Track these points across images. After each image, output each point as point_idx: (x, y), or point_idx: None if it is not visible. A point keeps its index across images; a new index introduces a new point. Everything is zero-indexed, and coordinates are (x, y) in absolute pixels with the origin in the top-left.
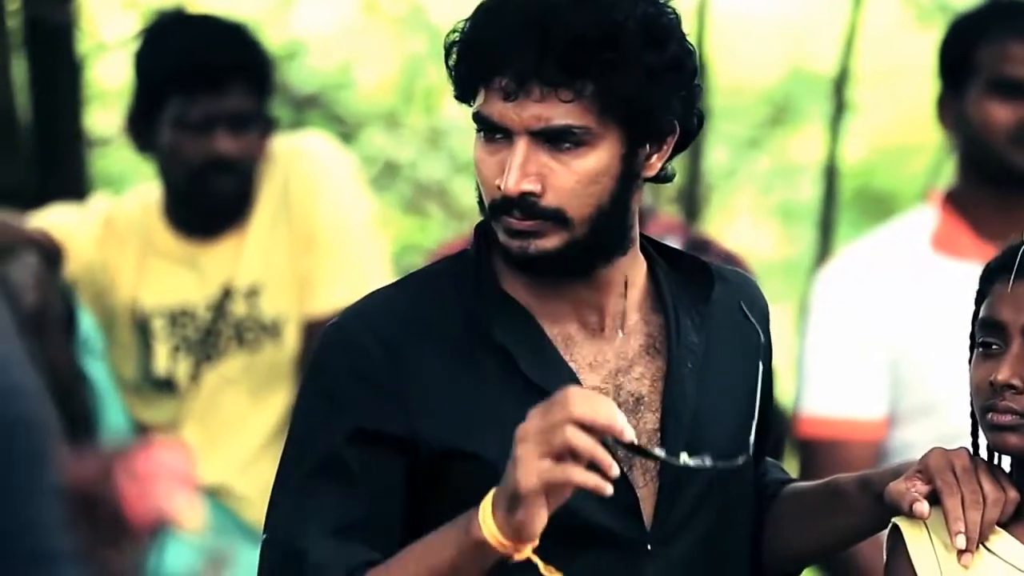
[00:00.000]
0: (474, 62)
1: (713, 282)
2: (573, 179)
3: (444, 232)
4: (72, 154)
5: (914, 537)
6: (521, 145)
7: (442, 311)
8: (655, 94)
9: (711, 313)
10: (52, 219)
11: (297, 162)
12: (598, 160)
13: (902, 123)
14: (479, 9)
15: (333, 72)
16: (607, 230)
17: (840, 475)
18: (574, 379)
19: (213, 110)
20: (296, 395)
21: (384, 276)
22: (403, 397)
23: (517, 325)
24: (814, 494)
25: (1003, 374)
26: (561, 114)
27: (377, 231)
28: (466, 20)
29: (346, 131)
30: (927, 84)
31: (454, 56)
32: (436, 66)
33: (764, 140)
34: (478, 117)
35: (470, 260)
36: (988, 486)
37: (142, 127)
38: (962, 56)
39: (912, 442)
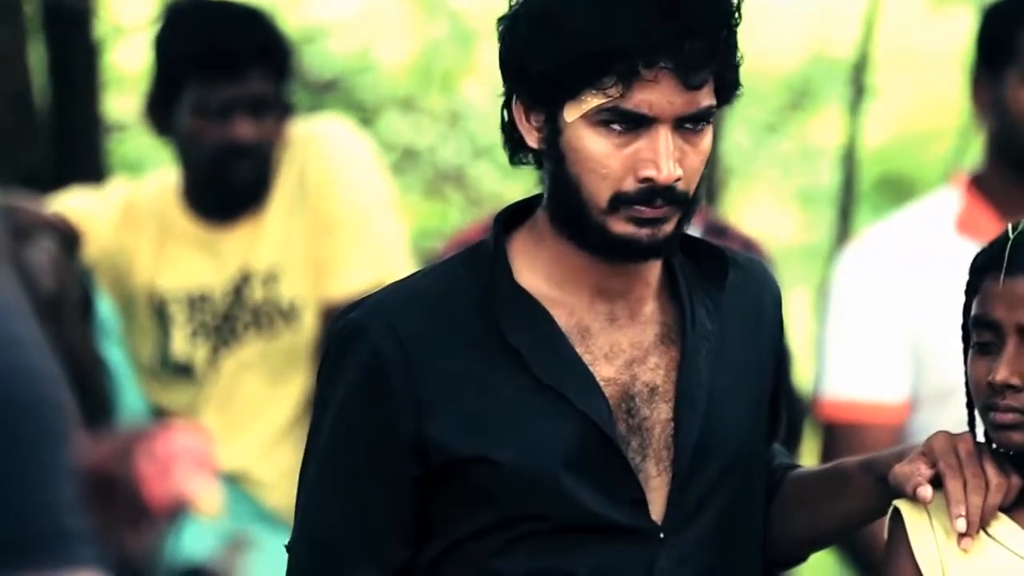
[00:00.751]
0: (623, 53)
1: (728, 269)
2: (699, 160)
3: (462, 217)
4: (90, 139)
5: (914, 520)
6: (667, 133)
7: (458, 307)
8: (738, 68)
9: (725, 300)
10: (70, 203)
11: (315, 146)
12: (710, 136)
13: (922, 108)
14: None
15: (351, 57)
16: (697, 205)
17: (845, 459)
18: (588, 377)
19: (232, 95)
20: (314, 393)
21: (403, 260)
22: (416, 401)
23: (530, 323)
24: (818, 479)
25: (1001, 374)
26: (703, 97)
27: (396, 215)
28: (561, 15)
29: (365, 116)
30: (947, 69)
31: (569, 50)
32: (455, 50)
33: (784, 124)
34: (617, 111)
35: (486, 253)
36: (991, 471)
37: (161, 112)
38: (1002, 39)
39: (933, 426)
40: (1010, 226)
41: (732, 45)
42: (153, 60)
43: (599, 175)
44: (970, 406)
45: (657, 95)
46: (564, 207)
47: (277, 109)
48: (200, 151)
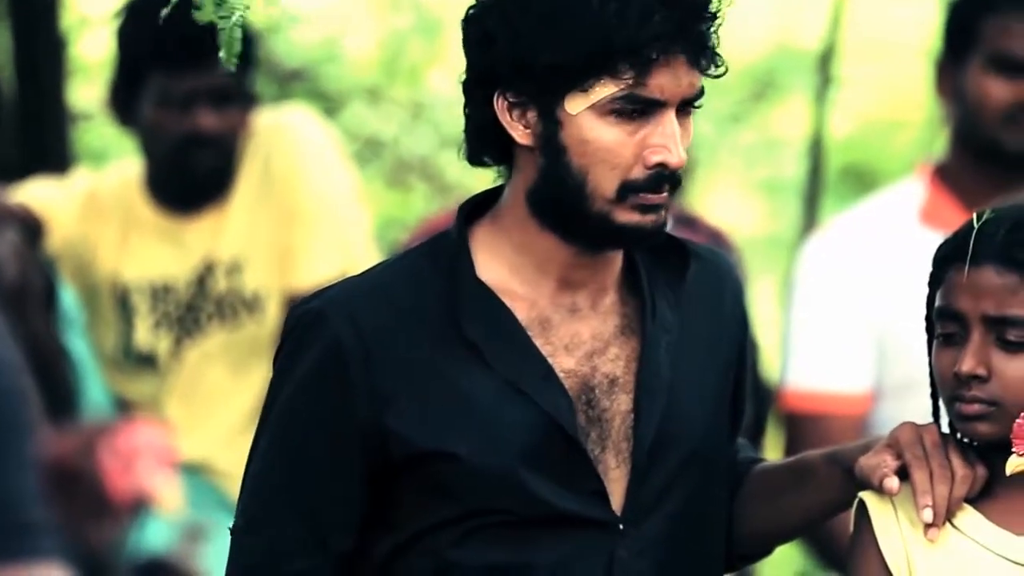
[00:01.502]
0: (637, 41)
1: (689, 261)
2: (688, 141)
3: (427, 207)
4: (54, 128)
5: (880, 513)
6: (673, 117)
7: (420, 300)
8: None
9: (686, 292)
10: (34, 193)
11: (279, 136)
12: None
13: (888, 98)
14: None
15: (317, 47)
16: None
17: (809, 452)
18: (548, 371)
19: (195, 86)
20: (271, 378)
21: (367, 250)
22: (374, 393)
23: (489, 317)
24: (783, 472)
25: (967, 365)
26: (699, 78)
27: (360, 205)
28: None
29: (329, 106)
30: (913, 59)
31: (582, 41)
32: (420, 40)
33: (748, 115)
34: (631, 98)
35: (449, 244)
36: (957, 461)
37: (124, 102)
38: (965, 27)
39: (897, 417)
40: (974, 216)
41: (716, 25)
42: (116, 50)
43: (609, 165)
44: (935, 397)
45: (668, 79)
46: (560, 201)
47: (240, 99)
48: (163, 141)
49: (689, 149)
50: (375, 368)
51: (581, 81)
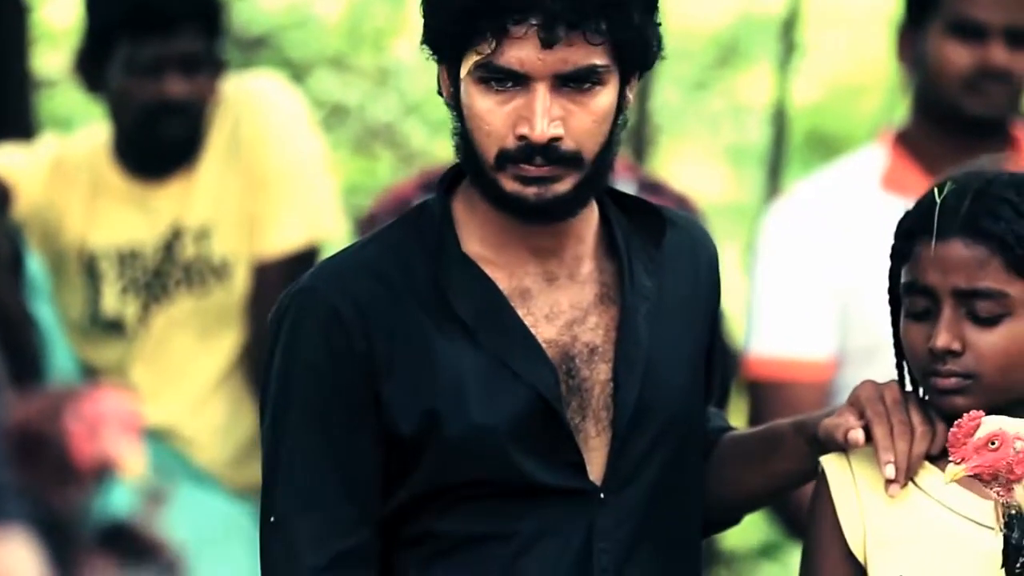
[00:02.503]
0: (493, 10)
1: (665, 227)
2: (590, 120)
3: (392, 174)
4: (20, 95)
5: (837, 477)
6: (543, 90)
7: (408, 277)
8: (649, 27)
9: (662, 258)
10: None
11: (247, 103)
12: (609, 98)
13: (852, 65)
14: None
15: (282, 14)
16: (606, 167)
17: (778, 420)
18: (533, 344)
19: (163, 53)
20: (273, 364)
21: (335, 217)
22: (373, 364)
23: (476, 291)
24: (752, 440)
25: (942, 340)
26: (584, 55)
27: (327, 172)
28: None
29: (295, 73)
30: (877, 26)
31: (449, 7)
32: (385, 7)
33: (713, 82)
34: (490, 67)
35: (432, 216)
36: (917, 418)
37: (91, 69)
38: None
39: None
40: (935, 189)
41: (627, 6)
42: (84, 17)
43: (484, 132)
44: (899, 368)
45: (527, 52)
46: (466, 164)
47: (209, 66)
48: (131, 108)
49: (646, 119)
50: (372, 338)
51: (458, 47)
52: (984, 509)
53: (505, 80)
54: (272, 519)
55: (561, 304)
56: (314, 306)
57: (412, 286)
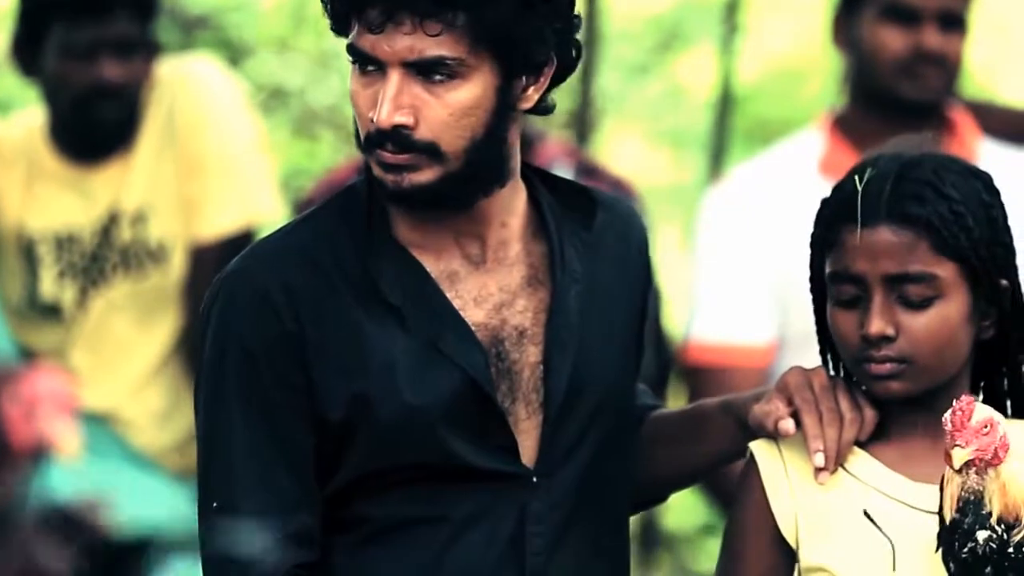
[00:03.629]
0: None
1: (596, 209)
2: (446, 112)
3: (333, 156)
4: None
5: (768, 463)
6: (394, 77)
7: (338, 258)
8: (528, 25)
9: (593, 240)
10: None
11: (183, 86)
12: (471, 92)
13: (794, 48)
14: None
15: None
16: (483, 163)
17: (704, 400)
18: (463, 327)
19: (98, 36)
20: (205, 348)
21: (272, 200)
22: (304, 348)
23: (405, 276)
24: (679, 420)
25: (876, 326)
26: (432, 45)
27: (265, 155)
28: None
29: (234, 55)
30: (819, 8)
31: None
32: None
33: (654, 65)
34: (352, 49)
35: (360, 198)
36: (845, 404)
37: (26, 53)
38: None
39: None
40: (855, 175)
41: (493, 1)
42: (18, 1)
43: (357, 113)
44: (823, 355)
45: (379, 38)
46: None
47: (144, 49)
48: (66, 92)
49: (588, 102)
50: (303, 321)
51: (343, 30)
52: (916, 492)
53: (365, 64)
54: (215, 504)
55: (489, 287)
56: (244, 289)
57: (341, 270)
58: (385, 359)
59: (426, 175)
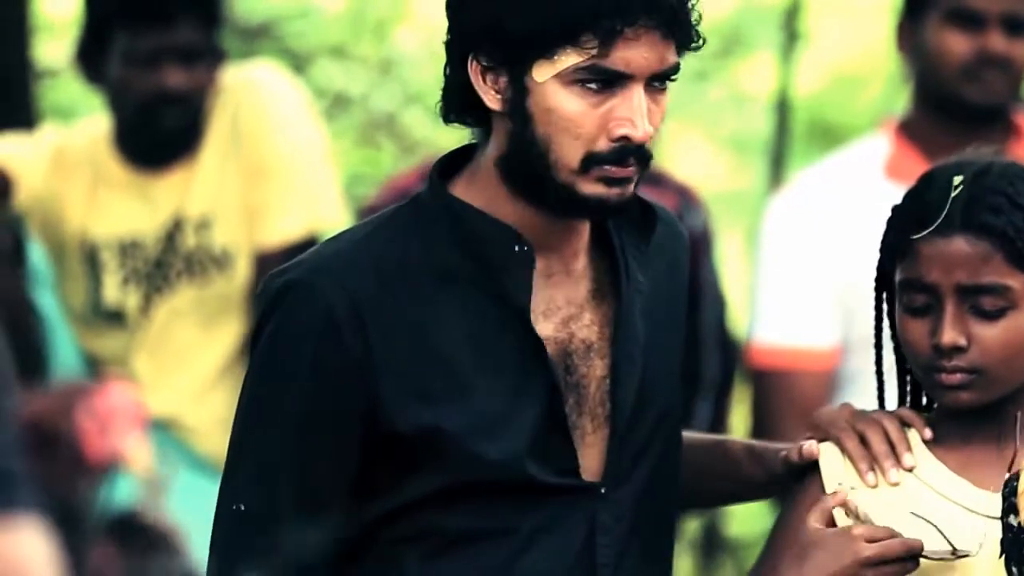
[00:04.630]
0: (613, 11)
1: (656, 221)
2: (660, 118)
3: (395, 164)
4: (20, 85)
5: (830, 467)
6: (640, 90)
7: (410, 271)
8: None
9: (649, 252)
10: (1, 150)
11: (247, 93)
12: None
13: (854, 54)
14: None
15: (283, 2)
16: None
17: (729, 439)
18: (539, 345)
19: (162, 44)
20: (257, 356)
21: (336, 207)
22: (370, 364)
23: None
24: (701, 452)
25: (948, 337)
26: (673, 53)
27: (328, 162)
28: None
29: (296, 62)
30: (878, 15)
31: (554, 9)
32: None
33: (715, 71)
34: (594, 69)
35: (430, 208)
36: (878, 415)
37: (91, 60)
38: None
39: (864, 371)
40: (931, 186)
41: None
42: (83, 8)
43: (572, 135)
44: (879, 359)
45: (635, 52)
46: (527, 168)
47: (208, 56)
48: (131, 100)
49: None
50: (370, 337)
51: (548, 50)
52: (980, 498)
53: (605, 82)
54: (240, 507)
55: (557, 300)
56: (307, 304)
57: (411, 276)
58: (456, 374)
59: (635, 183)
